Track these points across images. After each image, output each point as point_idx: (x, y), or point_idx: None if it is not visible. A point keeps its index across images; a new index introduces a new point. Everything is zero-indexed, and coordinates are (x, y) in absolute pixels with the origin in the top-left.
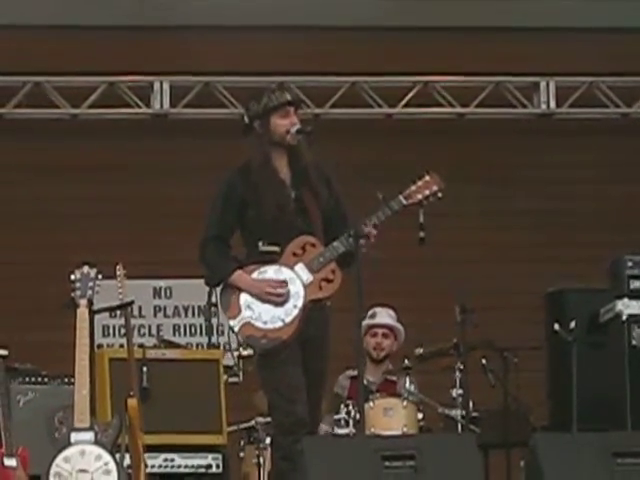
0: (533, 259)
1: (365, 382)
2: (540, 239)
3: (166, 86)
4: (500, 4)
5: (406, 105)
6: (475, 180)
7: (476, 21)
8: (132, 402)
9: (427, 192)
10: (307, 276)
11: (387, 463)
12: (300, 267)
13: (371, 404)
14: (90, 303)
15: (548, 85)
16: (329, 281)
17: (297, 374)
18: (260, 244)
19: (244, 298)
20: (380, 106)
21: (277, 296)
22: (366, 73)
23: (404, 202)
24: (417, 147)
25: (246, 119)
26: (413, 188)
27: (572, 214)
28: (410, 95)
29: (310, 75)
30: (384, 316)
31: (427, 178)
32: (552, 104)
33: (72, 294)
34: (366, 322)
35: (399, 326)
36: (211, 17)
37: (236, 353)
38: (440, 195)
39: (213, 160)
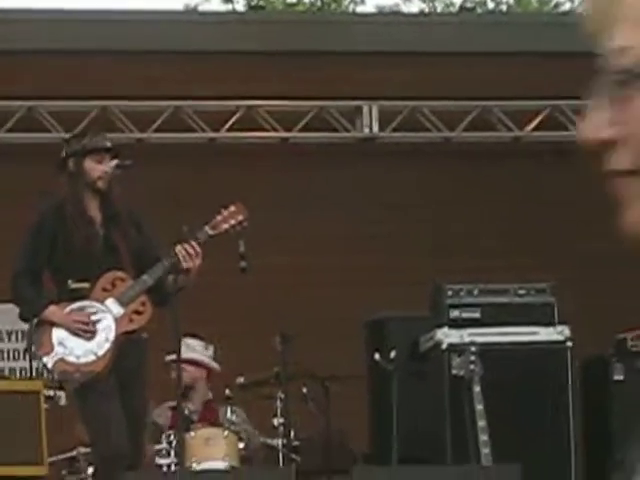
0: (355, 284)
1: (186, 412)
2: (359, 263)
3: None
4: (322, 28)
5: (229, 129)
6: (297, 205)
7: (298, 45)
8: None
9: (232, 221)
10: (118, 309)
11: None
12: (110, 301)
13: (192, 434)
14: None
15: (371, 109)
16: (139, 313)
17: (114, 406)
18: (70, 282)
19: (56, 335)
20: (204, 130)
21: (85, 326)
22: (188, 97)
23: (210, 232)
24: (240, 172)
25: (63, 154)
26: (219, 218)
27: (389, 237)
28: (233, 120)
29: (132, 99)
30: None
31: (232, 208)
32: (375, 128)
33: None
34: None
35: (194, 355)
36: (32, 40)
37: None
38: (245, 224)
39: (34, 185)
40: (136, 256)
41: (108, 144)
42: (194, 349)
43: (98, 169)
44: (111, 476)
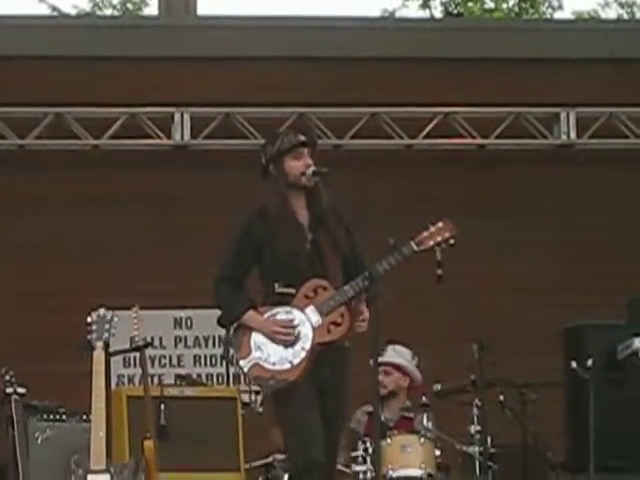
0: (551, 290)
1: (382, 419)
2: (559, 270)
3: (187, 117)
4: (520, 35)
5: (426, 136)
6: (493, 211)
7: (496, 52)
8: (148, 444)
9: (439, 238)
10: (317, 319)
11: None
12: (310, 310)
13: (388, 441)
14: (106, 345)
15: (568, 116)
16: (338, 324)
17: (312, 415)
18: (276, 286)
19: (255, 339)
20: (400, 137)
21: (285, 336)
22: (386, 104)
23: (415, 249)
24: (437, 178)
25: (263, 161)
26: (425, 234)
27: (590, 245)
28: (430, 126)
29: (330, 106)
30: (385, 354)
31: (440, 224)
32: (572, 135)
33: (88, 336)
34: None
35: (402, 362)
36: (231, 48)
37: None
38: (452, 242)
39: (233, 191)
40: (344, 261)
41: (302, 138)
42: (403, 356)
43: (298, 166)
44: None
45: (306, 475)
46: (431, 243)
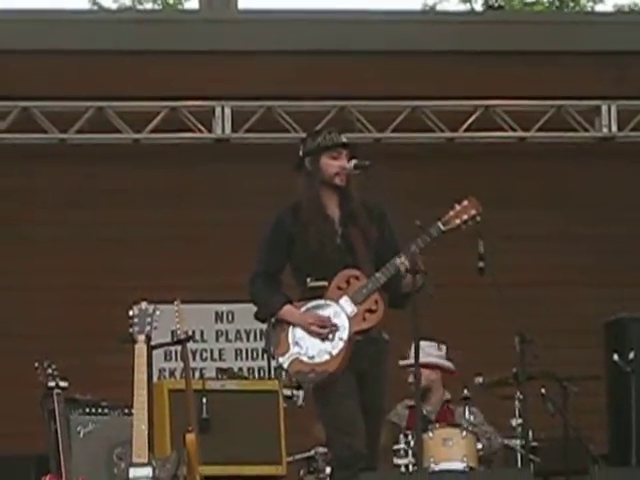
0: (593, 283)
1: (423, 412)
2: (601, 263)
3: (228, 111)
4: (561, 28)
5: (467, 129)
6: (534, 204)
7: (537, 45)
8: (190, 437)
9: (465, 217)
10: (351, 309)
11: None
12: (344, 300)
13: (430, 434)
14: (148, 339)
15: (610, 109)
16: (372, 312)
17: (353, 407)
18: (308, 280)
19: (292, 334)
20: (441, 130)
21: (322, 328)
22: (427, 97)
23: (442, 228)
24: (478, 171)
25: (300, 153)
26: (451, 213)
27: (632, 238)
28: (471, 119)
29: (371, 100)
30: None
31: (465, 203)
32: (613, 128)
33: (130, 330)
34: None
35: (434, 360)
36: (272, 42)
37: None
38: (479, 219)
39: (275, 184)
40: (379, 255)
41: (343, 140)
42: (427, 352)
43: (335, 165)
44: (348, 476)
45: (349, 467)
46: (458, 222)
